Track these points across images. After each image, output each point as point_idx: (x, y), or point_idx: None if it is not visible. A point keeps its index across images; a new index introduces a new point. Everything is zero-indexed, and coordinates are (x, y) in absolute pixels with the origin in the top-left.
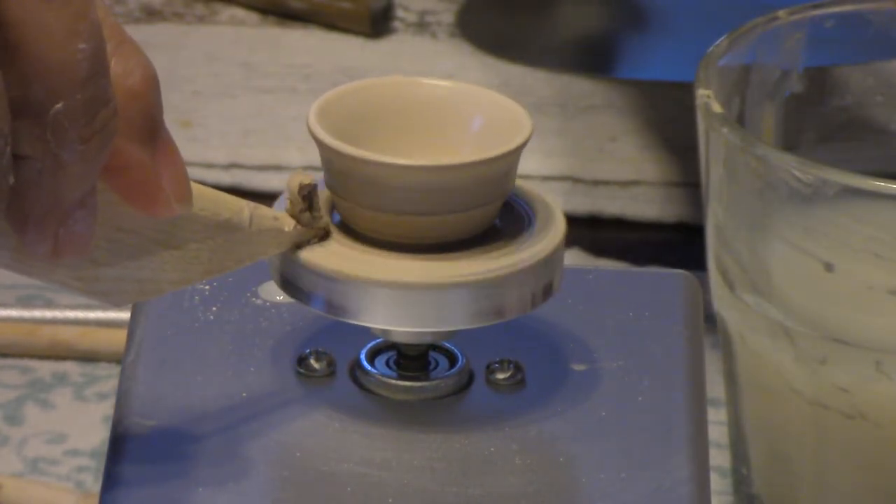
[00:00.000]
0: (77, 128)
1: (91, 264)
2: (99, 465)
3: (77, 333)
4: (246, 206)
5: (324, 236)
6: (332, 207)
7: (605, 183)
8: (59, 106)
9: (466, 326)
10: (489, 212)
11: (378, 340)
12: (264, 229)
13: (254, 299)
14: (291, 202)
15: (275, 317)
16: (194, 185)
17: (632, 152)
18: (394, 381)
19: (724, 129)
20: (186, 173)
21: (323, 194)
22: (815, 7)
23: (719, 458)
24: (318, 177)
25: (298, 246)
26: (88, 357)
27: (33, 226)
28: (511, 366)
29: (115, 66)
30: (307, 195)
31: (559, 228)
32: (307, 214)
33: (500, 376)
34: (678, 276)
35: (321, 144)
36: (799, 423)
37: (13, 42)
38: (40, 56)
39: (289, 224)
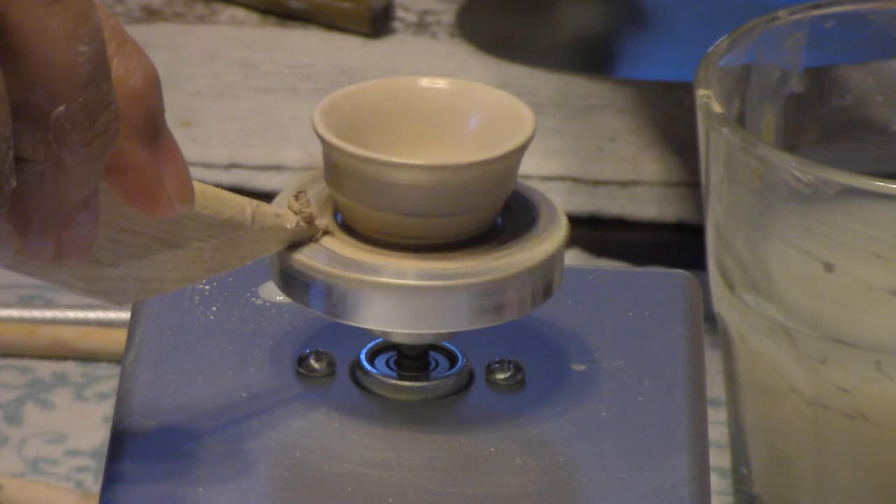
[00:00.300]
0: (79, 130)
1: (93, 264)
2: (99, 465)
3: (77, 333)
4: (248, 205)
5: (325, 233)
6: (334, 207)
7: (605, 183)
8: (60, 109)
9: (466, 327)
10: (491, 212)
11: (378, 340)
12: (266, 227)
13: (254, 299)
14: (293, 200)
15: (275, 317)
16: (196, 184)
17: (631, 152)
18: (394, 381)
19: (724, 129)
20: (188, 173)
21: (325, 193)
22: (815, 7)
23: (719, 458)
24: (320, 176)
25: (301, 243)
26: (88, 357)
27: (36, 228)
28: (511, 366)
29: (117, 67)
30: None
31: (561, 228)
32: (309, 211)
33: (500, 376)
34: (678, 276)
35: (325, 143)
36: (799, 423)
37: (15, 46)
38: (42, 60)
39: (291, 221)
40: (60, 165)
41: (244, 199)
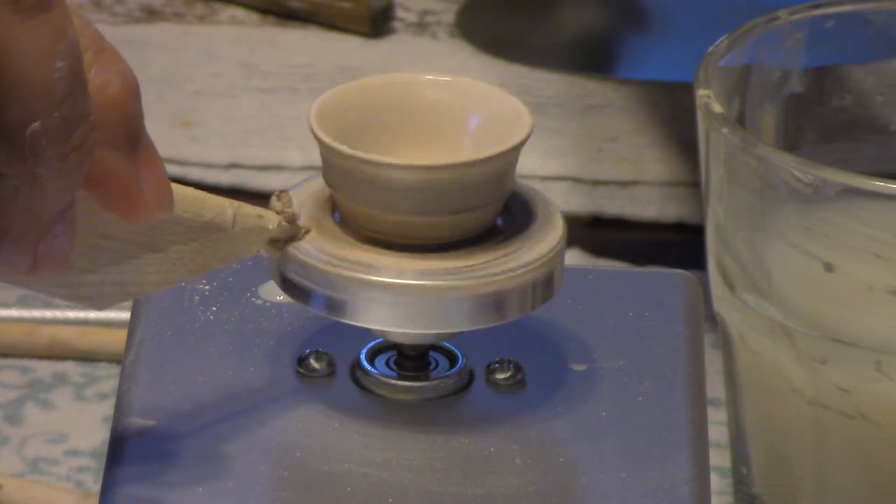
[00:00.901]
0: (55, 146)
1: (73, 271)
2: (99, 465)
3: (77, 333)
4: (229, 206)
5: (307, 232)
6: (333, 206)
7: (605, 183)
8: (36, 125)
9: (466, 328)
10: (489, 212)
11: (378, 340)
12: (248, 228)
13: (254, 299)
14: (275, 199)
15: (275, 317)
16: (177, 187)
17: (632, 152)
18: (394, 381)
19: (724, 129)
20: (167, 178)
21: (324, 193)
22: (815, 7)
23: (719, 458)
24: (318, 175)
25: (283, 242)
26: (88, 357)
27: (11, 242)
28: (511, 366)
29: (95, 75)
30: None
31: (559, 228)
32: (291, 211)
33: (500, 376)
34: (678, 276)
35: (322, 144)
36: (799, 423)
37: None
38: (17, 76)
39: (273, 222)
40: (36, 180)
41: (226, 201)
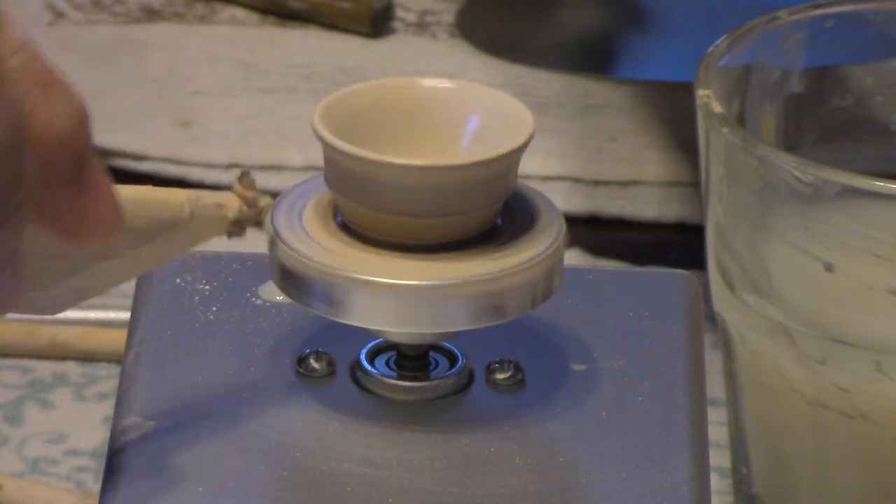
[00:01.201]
0: None
1: (25, 290)
2: (99, 465)
3: (77, 333)
4: (187, 201)
5: (267, 212)
6: (335, 207)
7: (605, 183)
8: None
9: (466, 327)
10: (490, 212)
11: (378, 340)
12: (207, 219)
13: (254, 299)
14: (237, 182)
15: (275, 317)
16: (133, 190)
17: (631, 152)
18: (394, 381)
19: (724, 129)
20: (116, 201)
21: (325, 193)
22: (815, 7)
23: (719, 458)
24: (320, 175)
25: (243, 224)
26: (88, 357)
27: None
28: (511, 366)
29: (42, 112)
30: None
31: (558, 228)
32: (252, 195)
33: (500, 376)
34: (678, 276)
35: (325, 144)
36: (799, 423)
37: None
38: None
39: (233, 209)
40: None
41: (183, 195)
